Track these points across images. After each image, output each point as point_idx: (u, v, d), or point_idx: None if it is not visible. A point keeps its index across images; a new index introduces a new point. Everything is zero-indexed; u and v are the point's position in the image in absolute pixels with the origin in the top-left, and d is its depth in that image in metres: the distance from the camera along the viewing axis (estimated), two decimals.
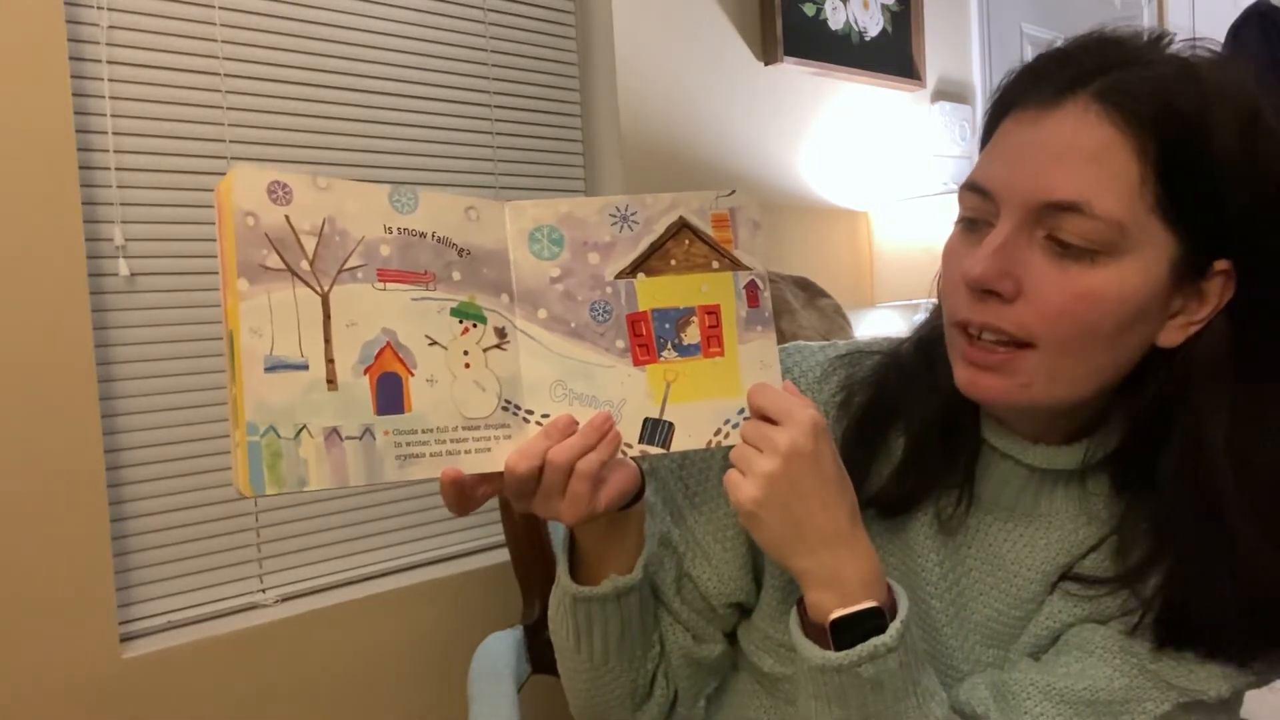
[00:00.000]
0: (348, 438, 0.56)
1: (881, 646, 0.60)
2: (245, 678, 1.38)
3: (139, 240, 1.34)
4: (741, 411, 0.66)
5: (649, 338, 0.65)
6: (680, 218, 0.66)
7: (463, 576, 1.60)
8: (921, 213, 2.22)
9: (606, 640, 0.72)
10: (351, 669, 1.48)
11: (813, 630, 0.63)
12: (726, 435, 0.66)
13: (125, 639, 1.32)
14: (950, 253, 0.66)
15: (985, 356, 0.62)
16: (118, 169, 1.32)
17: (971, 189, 0.64)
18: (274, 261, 0.56)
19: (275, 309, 0.56)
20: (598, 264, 0.64)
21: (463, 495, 0.60)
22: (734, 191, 0.67)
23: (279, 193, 0.56)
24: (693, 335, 0.66)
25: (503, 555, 1.53)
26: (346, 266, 0.57)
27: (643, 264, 0.65)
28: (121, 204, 1.32)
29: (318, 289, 0.57)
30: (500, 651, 1.29)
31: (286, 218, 0.56)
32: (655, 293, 0.65)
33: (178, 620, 1.37)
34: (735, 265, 0.67)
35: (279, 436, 0.54)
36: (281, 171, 0.56)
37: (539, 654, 1.33)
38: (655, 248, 0.65)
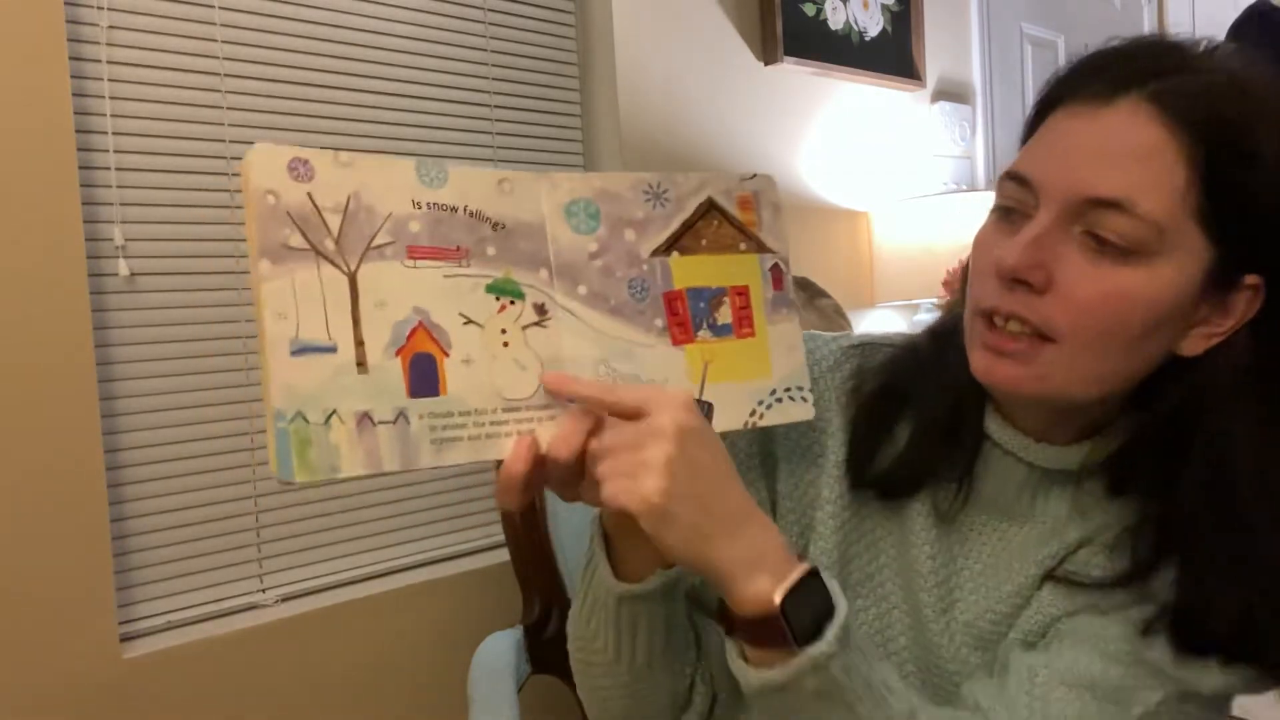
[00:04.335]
0: (380, 422, 0.54)
1: (821, 656, 0.56)
2: (245, 678, 1.38)
3: (139, 240, 1.34)
4: (773, 393, 0.66)
5: (686, 317, 0.64)
6: (709, 198, 0.65)
7: (463, 576, 1.60)
8: (921, 213, 2.22)
9: (652, 643, 0.68)
10: (351, 669, 1.48)
11: (755, 629, 0.58)
12: (761, 416, 0.66)
13: (125, 639, 1.32)
14: (982, 241, 0.66)
15: (1005, 343, 0.62)
16: (118, 169, 1.32)
17: (1012, 178, 0.63)
18: (297, 241, 0.53)
19: (299, 290, 0.53)
20: (634, 241, 0.63)
21: (532, 473, 0.57)
22: (756, 175, 0.66)
23: (300, 169, 0.54)
24: (725, 315, 0.65)
25: (503, 555, 1.53)
26: (374, 244, 0.55)
27: (676, 242, 0.64)
28: (121, 204, 1.32)
29: (344, 268, 0.54)
30: (500, 651, 1.29)
31: (309, 195, 0.54)
32: (689, 272, 0.64)
33: (178, 620, 1.38)
34: (760, 248, 0.66)
35: (308, 422, 0.52)
36: (303, 149, 0.54)
37: (539, 654, 1.33)
38: (687, 226, 0.64)
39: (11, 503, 1.19)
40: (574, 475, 0.58)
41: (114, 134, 1.32)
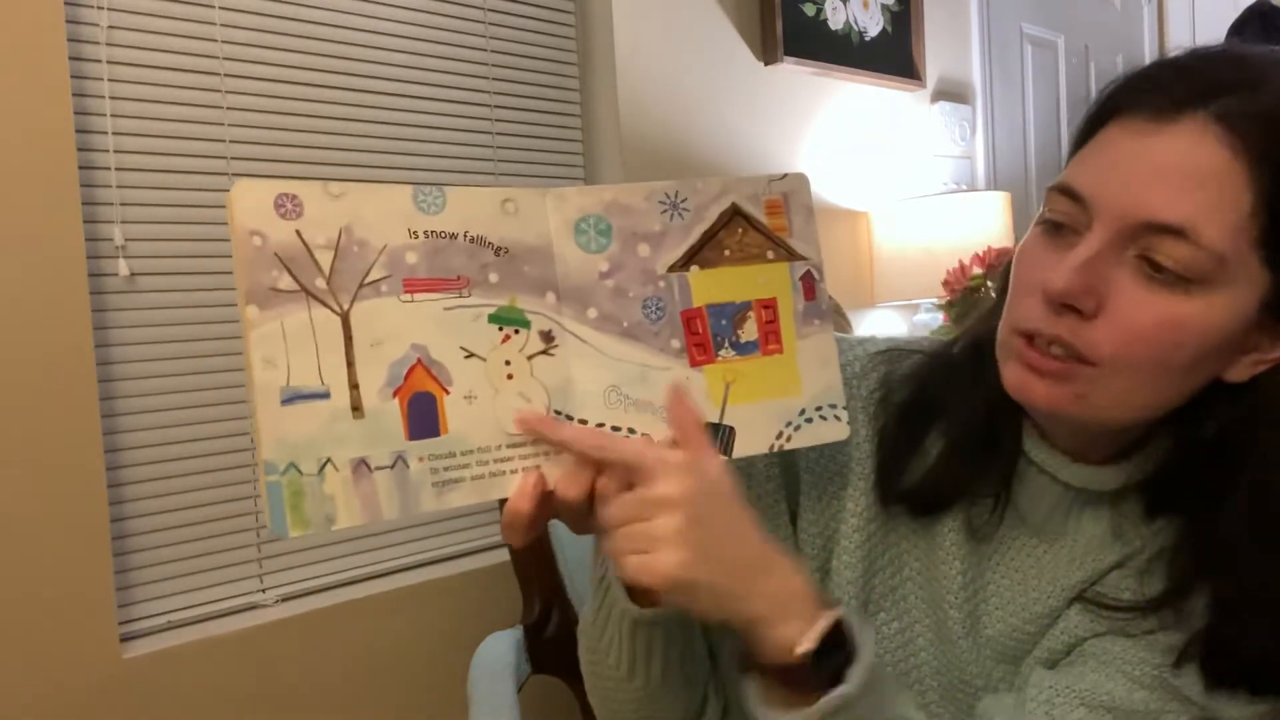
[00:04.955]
0: (378, 468, 0.52)
1: (848, 698, 0.56)
2: (245, 678, 1.38)
3: (139, 240, 1.34)
4: (803, 412, 0.62)
5: (705, 336, 0.60)
6: (733, 204, 0.61)
7: (463, 576, 1.60)
8: (921, 213, 2.22)
9: (667, 663, 0.67)
10: (351, 669, 1.48)
11: (782, 675, 0.58)
12: (789, 439, 0.62)
13: (125, 639, 1.32)
14: (1027, 256, 0.62)
15: (1045, 362, 0.59)
16: (118, 169, 1.32)
17: (1064, 192, 0.60)
18: (286, 282, 0.51)
19: (290, 335, 0.51)
20: (648, 256, 0.59)
21: (539, 511, 0.55)
22: (786, 175, 0.62)
23: (287, 205, 0.52)
24: (750, 332, 0.61)
25: (503, 555, 1.53)
26: (368, 280, 0.53)
27: (696, 255, 0.60)
28: (121, 204, 1.32)
29: (336, 308, 0.52)
30: (500, 651, 1.29)
31: (298, 232, 0.51)
32: (710, 286, 0.60)
33: (178, 620, 1.37)
34: (791, 255, 0.62)
35: (300, 473, 0.51)
36: (290, 182, 0.52)
37: (539, 654, 1.33)
38: (708, 237, 0.60)
39: (11, 503, 1.19)
40: (584, 511, 0.57)
41: (114, 134, 1.32)
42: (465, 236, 0.55)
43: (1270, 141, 0.54)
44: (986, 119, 2.69)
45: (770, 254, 0.62)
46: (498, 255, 0.56)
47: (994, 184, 2.68)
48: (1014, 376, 0.61)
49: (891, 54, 2.33)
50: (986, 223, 2.16)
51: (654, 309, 0.59)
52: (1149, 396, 0.59)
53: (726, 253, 0.61)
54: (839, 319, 1.89)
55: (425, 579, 1.57)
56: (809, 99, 2.19)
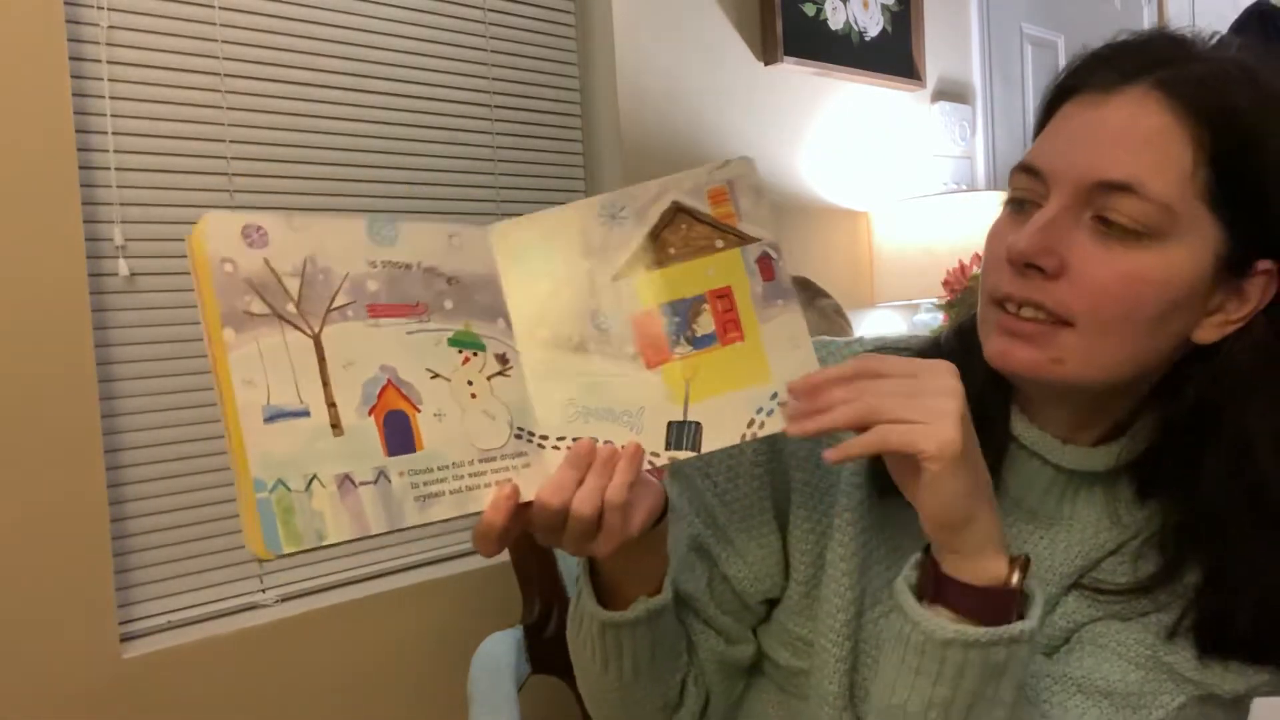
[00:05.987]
0: (362, 483, 0.54)
1: (1025, 632, 0.57)
2: (245, 678, 1.38)
3: (139, 240, 1.34)
4: (774, 397, 0.61)
5: (659, 336, 0.61)
6: (673, 202, 0.61)
7: (463, 576, 1.60)
8: (921, 213, 2.22)
9: (636, 661, 0.69)
10: (351, 669, 1.48)
11: (978, 597, 0.58)
12: (761, 425, 0.61)
13: (125, 639, 1.32)
14: (995, 233, 0.67)
15: (1021, 326, 0.62)
16: (118, 169, 1.32)
17: (1023, 170, 0.64)
18: (258, 307, 0.53)
19: (266, 356, 0.53)
20: (592, 270, 0.61)
21: (512, 521, 0.57)
22: (728, 162, 0.62)
23: (254, 236, 0.54)
24: (706, 325, 0.61)
25: (503, 555, 1.53)
26: (334, 305, 0.55)
27: (641, 259, 0.61)
28: (121, 204, 1.32)
29: (308, 331, 0.54)
30: (500, 651, 1.29)
31: (266, 260, 0.53)
32: (659, 287, 0.61)
33: (178, 620, 1.37)
34: (742, 239, 0.62)
35: (289, 490, 0.52)
36: (255, 213, 0.54)
37: (539, 654, 1.33)
38: (651, 239, 0.61)
39: (12, 503, 1.19)
40: (559, 523, 0.58)
41: (114, 134, 1.31)
42: (419, 267, 0.58)
43: (1207, 103, 0.59)
44: (986, 119, 2.70)
45: (719, 243, 0.62)
46: (450, 284, 0.58)
47: (994, 184, 2.68)
48: (994, 346, 0.64)
49: (891, 54, 2.33)
50: (986, 223, 2.14)
51: (603, 319, 0.61)
52: (1122, 354, 0.61)
53: (672, 250, 0.61)
54: (839, 319, 1.89)
55: (425, 579, 1.57)
56: (809, 99, 2.19)
